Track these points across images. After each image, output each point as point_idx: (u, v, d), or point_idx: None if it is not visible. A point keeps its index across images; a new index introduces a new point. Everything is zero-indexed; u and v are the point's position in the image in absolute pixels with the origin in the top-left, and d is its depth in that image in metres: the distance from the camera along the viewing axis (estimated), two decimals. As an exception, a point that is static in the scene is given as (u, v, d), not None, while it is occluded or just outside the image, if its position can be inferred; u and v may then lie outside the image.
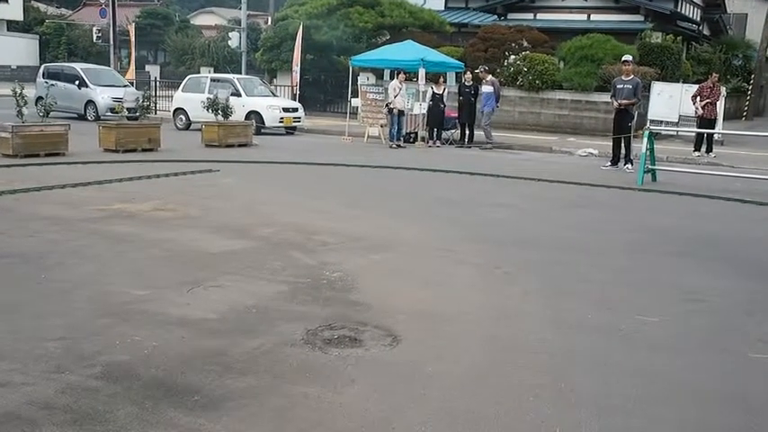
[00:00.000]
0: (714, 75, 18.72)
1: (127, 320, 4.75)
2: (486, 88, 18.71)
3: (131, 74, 27.13)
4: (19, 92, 12.62)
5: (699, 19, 32.49)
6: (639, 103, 15.93)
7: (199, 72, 35.25)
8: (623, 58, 15.69)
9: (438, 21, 28.06)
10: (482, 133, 18.74)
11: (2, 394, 3.63)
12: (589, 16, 27.00)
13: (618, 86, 15.09)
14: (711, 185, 12.22)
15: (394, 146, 18.09)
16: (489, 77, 18.94)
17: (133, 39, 29.12)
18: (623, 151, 15.09)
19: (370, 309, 5.19)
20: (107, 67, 26.32)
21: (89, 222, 7.76)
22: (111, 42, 28.88)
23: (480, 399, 3.81)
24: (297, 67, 24.18)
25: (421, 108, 19.34)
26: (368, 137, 19.52)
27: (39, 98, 19.91)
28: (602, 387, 4.01)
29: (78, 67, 24.46)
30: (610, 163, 15.29)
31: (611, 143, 15.47)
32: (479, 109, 18.89)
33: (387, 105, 18.43)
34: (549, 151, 18.55)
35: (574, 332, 4.88)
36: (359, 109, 20.44)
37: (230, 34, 33.67)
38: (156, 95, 25.35)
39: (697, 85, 18.90)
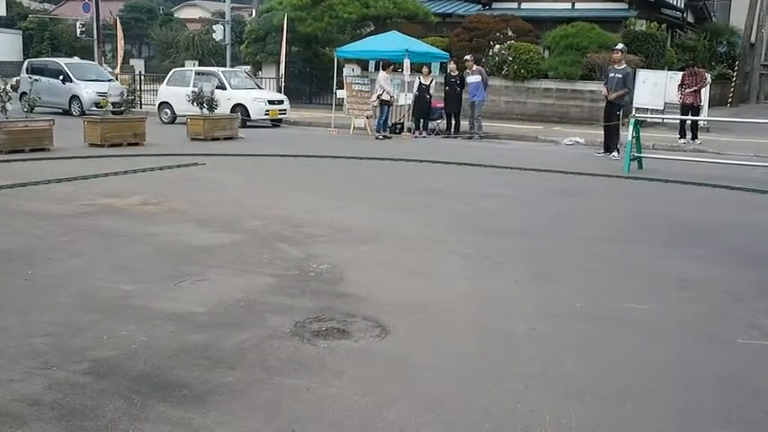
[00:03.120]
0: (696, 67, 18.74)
1: (114, 315, 4.73)
2: (473, 78, 18.55)
3: (119, 68, 27.02)
4: (2, 87, 12.53)
5: (683, 6, 32.56)
6: (630, 93, 15.92)
7: (183, 65, 35.06)
8: (615, 47, 15.69)
9: (422, 11, 28.00)
10: (468, 123, 18.72)
11: (-11, 391, 3.60)
12: (573, 5, 27.01)
13: (609, 75, 15.09)
14: (697, 172, 12.27)
15: (380, 137, 18.06)
16: (475, 67, 18.84)
17: (120, 33, 28.90)
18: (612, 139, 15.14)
19: (358, 300, 5.18)
20: (91, 62, 26.19)
21: (75, 218, 7.71)
22: (96, 37, 28.72)
23: (470, 389, 3.81)
24: (282, 60, 24.09)
25: (406, 99, 19.31)
26: (354, 128, 19.50)
27: (23, 93, 19.77)
28: (592, 375, 4.02)
29: (62, 61, 24.30)
30: (603, 151, 15.34)
31: (603, 132, 15.51)
32: (467, 99, 18.79)
33: (378, 97, 18.31)
34: (535, 140, 18.58)
35: (563, 321, 4.89)
36: (344, 100, 20.40)
37: (214, 27, 33.45)
38: (140, 89, 25.22)
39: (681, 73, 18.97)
